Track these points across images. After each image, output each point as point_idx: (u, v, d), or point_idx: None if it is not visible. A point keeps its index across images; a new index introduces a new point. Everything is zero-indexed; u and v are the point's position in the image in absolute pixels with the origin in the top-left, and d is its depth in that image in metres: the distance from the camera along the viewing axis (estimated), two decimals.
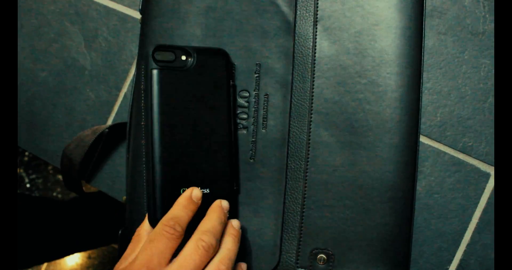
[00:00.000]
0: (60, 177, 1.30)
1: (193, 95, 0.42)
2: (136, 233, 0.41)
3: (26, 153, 1.30)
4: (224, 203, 0.42)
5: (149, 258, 0.36)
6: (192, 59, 0.42)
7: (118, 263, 0.39)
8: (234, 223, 0.41)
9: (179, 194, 0.40)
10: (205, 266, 0.37)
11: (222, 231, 0.40)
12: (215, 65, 0.43)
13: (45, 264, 1.25)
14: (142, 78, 0.42)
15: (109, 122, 0.54)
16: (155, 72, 0.40)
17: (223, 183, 0.43)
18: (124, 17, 0.55)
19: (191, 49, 0.42)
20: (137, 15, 0.54)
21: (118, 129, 0.51)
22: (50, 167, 1.30)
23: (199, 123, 0.42)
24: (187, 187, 0.41)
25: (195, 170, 0.41)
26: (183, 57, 0.42)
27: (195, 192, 0.40)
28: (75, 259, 1.24)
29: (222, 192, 0.42)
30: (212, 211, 0.41)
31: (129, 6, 0.55)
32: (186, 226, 0.38)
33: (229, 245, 0.39)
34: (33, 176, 1.30)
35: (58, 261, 1.24)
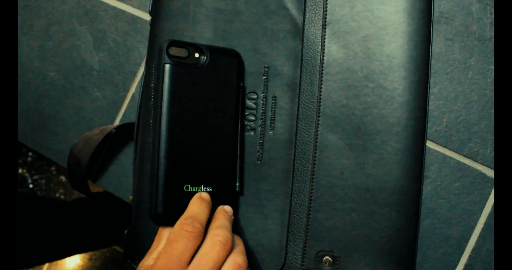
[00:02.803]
0: (63, 178, 1.30)
1: (203, 93, 0.42)
2: (158, 232, 0.41)
3: (30, 154, 1.31)
4: (227, 208, 0.42)
5: (169, 261, 0.35)
6: (205, 57, 0.42)
7: (143, 260, 0.38)
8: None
9: (183, 191, 0.40)
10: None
11: (231, 228, 0.40)
12: (227, 65, 0.43)
13: (46, 265, 1.25)
14: (152, 77, 0.42)
15: (116, 122, 0.54)
16: (167, 67, 0.41)
17: (226, 183, 0.43)
18: (133, 18, 0.55)
19: (205, 47, 0.43)
20: (146, 16, 0.55)
21: (125, 129, 0.51)
22: (53, 168, 1.30)
23: (206, 122, 0.42)
24: (191, 185, 0.41)
25: (199, 168, 0.41)
26: (196, 55, 0.42)
27: (203, 194, 0.41)
28: (76, 260, 1.24)
29: (224, 192, 0.42)
30: (218, 213, 0.41)
31: (138, 7, 0.55)
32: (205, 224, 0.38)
33: (237, 240, 0.40)
34: (36, 176, 1.30)
35: (59, 262, 1.24)
